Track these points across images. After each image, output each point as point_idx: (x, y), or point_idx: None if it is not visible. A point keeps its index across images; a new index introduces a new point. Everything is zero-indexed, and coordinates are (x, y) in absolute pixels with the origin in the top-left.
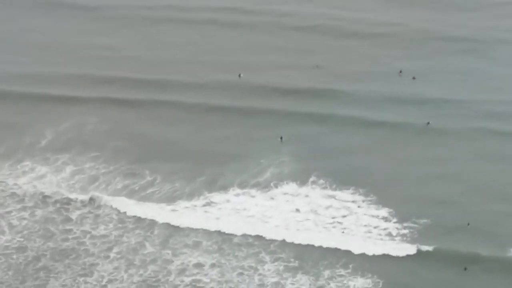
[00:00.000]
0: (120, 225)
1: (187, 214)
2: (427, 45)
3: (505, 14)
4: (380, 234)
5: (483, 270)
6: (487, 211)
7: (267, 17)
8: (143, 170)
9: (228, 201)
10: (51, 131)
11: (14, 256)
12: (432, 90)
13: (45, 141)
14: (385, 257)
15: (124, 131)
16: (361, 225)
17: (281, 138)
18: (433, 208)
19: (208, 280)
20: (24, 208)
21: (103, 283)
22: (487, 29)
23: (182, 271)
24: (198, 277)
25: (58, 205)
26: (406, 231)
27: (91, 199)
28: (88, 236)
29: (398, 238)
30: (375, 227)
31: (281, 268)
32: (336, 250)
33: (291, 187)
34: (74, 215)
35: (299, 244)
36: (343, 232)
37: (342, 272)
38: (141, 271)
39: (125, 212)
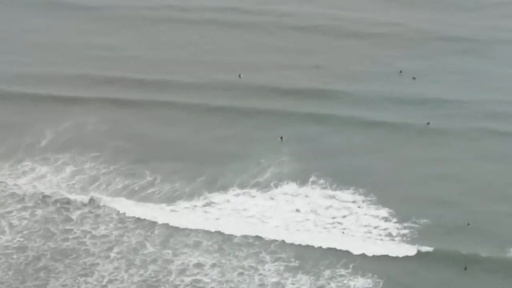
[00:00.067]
0: (120, 225)
1: (187, 214)
2: (427, 45)
3: (505, 14)
4: (380, 234)
5: (484, 270)
6: (487, 211)
7: (267, 17)
8: (143, 170)
9: (228, 201)
10: (51, 131)
11: (15, 256)
12: (432, 90)
13: (45, 141)
14: (385, 257)
15: (124, 131)
16: (361, 225)
17: (281, 138)
18: (433, 208)
19: (208, 280)
20: (24, 208)
21: (104, 283)
22: (487, 29)
23: (182, 271)
24: (198, 277)
25: (58, 205)
26: (406, 231)
27: (91, 200)
28: (89, 236)
29: (398, 238)
30: (375, 227)
31: (281, 268)
32: (336, 250)
33: (291, 187)
34: (75, 215)
35: (299, 244)
36: (343, 233)
37: (343, 272)
38: (142, 271)
39: (125, 213)
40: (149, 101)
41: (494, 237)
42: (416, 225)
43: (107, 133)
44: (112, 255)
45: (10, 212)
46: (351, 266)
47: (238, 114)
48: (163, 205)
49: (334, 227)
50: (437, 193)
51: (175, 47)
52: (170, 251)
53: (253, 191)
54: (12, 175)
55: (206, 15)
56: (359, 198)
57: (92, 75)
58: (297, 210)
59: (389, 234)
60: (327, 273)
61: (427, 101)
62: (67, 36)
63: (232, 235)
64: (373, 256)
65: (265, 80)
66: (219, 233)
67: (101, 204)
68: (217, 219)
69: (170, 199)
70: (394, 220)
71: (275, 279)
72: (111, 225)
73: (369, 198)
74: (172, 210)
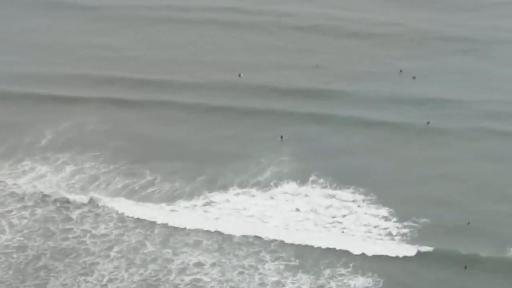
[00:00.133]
0: (120, 224)
1: (187, 213)
2: (427, 45)
3: (505, 14)
4: (380, 234)
5: (483, 269)
6: (487, 211)
7: (267, 17)
8: (143, 170)
9: (228, 200)
10: (51, 130)
11: (14, 255)
12: (432, 90)
13: (45, 141)
14: (386, 256)
15: (124, 131)
16: (361, 225)
17: (281, 137)
18: (433, 207)
19: (208, 279)
20: (24, 207)
21: (104, 282)
22: (487, 29)
23: (182, 270)
24: (198, 276)
25: (58, 204)
26: (406, 231)
27: (91, 200)
28: (89, 235)
29: (398, 237)
30: (375, 227)
31: (281, 267)
32: (336, 249)
33: (291, 186)
34: (74, 214)
35: (299, 244)
36: (343, 232)
37: (343, 271)
38: (142, 270)
39: (125, 213)
40: (149, 101)
41: (494, 237)
42: (416, 225)
43: (107, 133)
44: (112, 254)
45: (10, 211)
46: (351, 265)
47: (238, 114)
48: (163, 204)
49: (334, 227)
50: (437, 193)
51: (175, 47)
52: (170, 250)
53: (253, 191)
54: (12, 174)
55: (206, 15)
56: (359, 197)
57: (92, 75)
58: (297, 210)
59: (389, 234)
60: (327, 272)
61: (427, 101)
62: (67, 36)
63: (232, 234)
64: (373, 255)
65: (265, 80)
66: (219, 232)
67: (101, 204)
68: (217, 218)
69: (170, 198)
70: (394, 219)
71: (275, 278)
72: (111, 224)
73: (369, 198)
74: (172, 210)
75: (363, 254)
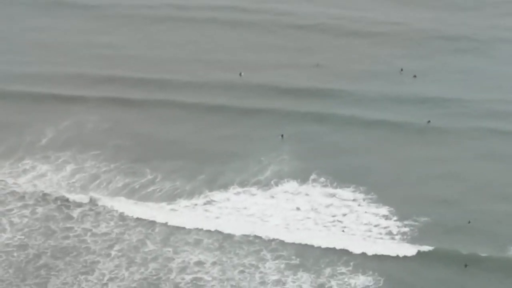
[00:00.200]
0: (121, 222)
1: (187, 212)
2: (428, 44)
3: (506, 13)
4: (380, 233)
5: (484, 268)
6: (487, 210)
7: (267, 16)
8: (143, 169)
9: (228, 199)
10: (51, 129)
11: (15, 254)
12: (432, 89)
13: (45, 140)
14: (386, 255)
15: (124, 129)
16: (361, 224)
17: (282, 135)
18: (434, 206)
19: (209, 278)
20: (25, 206)
21: (104, 281)
22: (488, 28)
23: (183, 269)
24: (199, 275)
25: (59, 202)
26: (406, 229)
27: (91, 200)
28: (89, 234)
29: (398, 236)
30: (375, 226)
31: (282, 266)
32: (337, 249)
33: (291, 185)
34: (75, 213)
35: (300, 243)
36: (343, 231)
37: (343, 270)
38: (142, 269)
39: (125, 212)
40: (149, 100)
41: (494, 236)
42: (416, 224)
43: (108, 132)
44: (113, 253)
45: (11, 210)
46: (351, 264)
47: (238, 113)
48: (164, 203)
49: (334, 226)
50: (438, 192)
51: (175, 46)
52: (170, 249)
53: (254, 189)
54: (13, 173)
55: (206, 14)
56: (360, 196)
57: (93, 74)
58: (298, 209)
59: (390, 233)
60: (327, 271)
61: (428, 100)
62: (68, 35)
63: (232, 233)
64: (374, 254)
65: (265, 79)
66: (219, 231)
67: (100, 204)
68: (218, 217)
69: (171, 197)
70: (395, 218)
71: (275, 277)
72: (112, 223)
73: (369, 197)
74: (172, 209)
75: (363, 253)
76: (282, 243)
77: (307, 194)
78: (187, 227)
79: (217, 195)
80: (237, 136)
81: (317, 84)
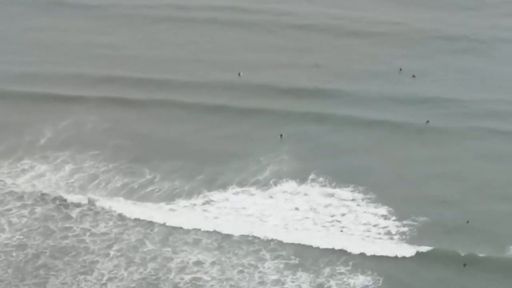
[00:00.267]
0: (120, 222)
1: (186, 213)
2: (427, 44)
3: (505, 13)
4: (379, 233)
5: (483, 268)
6: (486, 210)
7: (267, 16)
8: (142, 169)
9: (227, 199)
10: (50, 129)
11: (14, 254)
12: (432, 89)
13: (44, 140)
14: (385, 255)
15: (124, 130)
16: (360, 224)
17: (281, 135)
18: (433, 206)
19: (208, 278)
20: (23, 206)
21: (103, 281)
22: (487, 28)
23: (182, 269)
24: (198, 275)
25: (57, 202)
26: (405, 229)
27: (90, 201)
28: (88, 233)
29: (397, 236)
30: (374, 225)
31: (281, 265)
32: (335, 249)
33: (290, 185)
34: (74, 213)
35: (299, 243)
36: (341, 231)
37: (342, 269)
38: (141, 269)
39: (124, 213)
40: (149, 100)
41: (493, 236)
42: (415, 223)
43: (107, 132)
44: (112, 253)
45: (10, 210)
46: (350, 263)
47: (237, 113)
48: (163, 203)
49: (333, 225)
50: (437, 192)
51: (175, 46)
52: (169, 249)
53: (253, 189)
54: (12, 173)
55: (206, 14)
56: (359, 196)
57: (92, 74)
58: (296, 209)
59: (388, 232)
60: (326, 270)
61: (427, 100)
62: (67, 35)
63: (231, 234)
64: (373, 254)
65: (264, 79)
66: (218, 231)
67: (99, 204)
68: (216, 218)
69: (170, 197)
70: (394, 218)
71: (275, 277)
72: (111, 223)
73: (368, 196)
74: (171, 209)
75: (362, 252)
76: (281, 243)
77: (306, 194)
78: (186, 227)
79: (216, 195)
80: (236, 136)
81: (317, 84)
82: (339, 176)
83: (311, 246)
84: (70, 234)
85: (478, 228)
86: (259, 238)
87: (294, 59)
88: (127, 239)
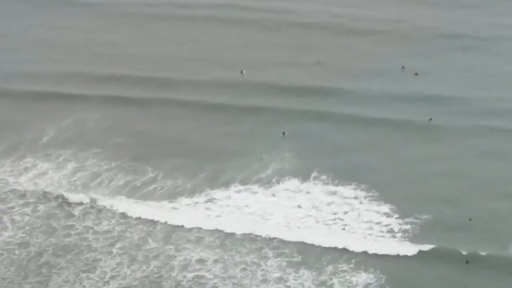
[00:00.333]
0: (122, 220)
1: (188, 211)
2: (429, 42)
3: (507, 11)
4: (382, 231)
5: (485, 265)
6: (489, 208)
7: (268, 14)
8: (145, 167)
9: (229, 197)
10: (52, 128)
11: (17, 252)
12: (434, 87)
13: (47, 138)
14: (387, 252)
15: (125, 128)
16: (362, 221)
17: (283, 133)
18: (435, 204)
19: (211, 276)
20: (26, 204)
21: (106, 279)
22: (489, 26)
23: (185, 267)
24: (201, 272)
25: (60, 200)
26: (408, 227)
27: (91, 201)
28: (91, 231)
29: (399, 234)
30: (377, 223)
31: (283, 263)
32: (338, 248)
33: (292, 183)
34: (77, 211)
35: (302, 241)
36: (343, 229)
37: (345, 267)
38: (144, 267)
39: (126, 212)
40: (150, 98)
41: (496, 234)
42: (417, 221)
43: (109, 130)
44: (115, 250)
45: (12, 208)
46: (353, 261)
47: (239, 111)
48: (165, 202)
49: (335, 223)
50: (439, 190)
51: (176, 44)
52: (172, 247)
53: (255, 187)
54: (14, 171)
55: (206, 12)
56: (361, 194)
57: (94, 73)
58: (299, 206)
59: (391, 230)
60: (329, 268)
61: (429, 98)
62: (69, 33)
63: (233, 232)
64: (375, 251)
65: (266, 77)
66: (220, 230)
67: (101, 203)
68: (219, 216)
69: (172, 195)
70: (396, 216)
71: (277, 275)
72: (113, 220)
73: (370, 194)
74: (173, 207)
75: (365, 250)
76: (283, 241)
77: (308, 192)
78: (189, 226)
79: (218, 193)
80: (238, 134)
81: (318, 82)
82: (341, 174)
83: (313, 244)
84: (72, 232)
85: (480, 226)
86: (261, 236)
87: (296, 57)
88: (129, 237)
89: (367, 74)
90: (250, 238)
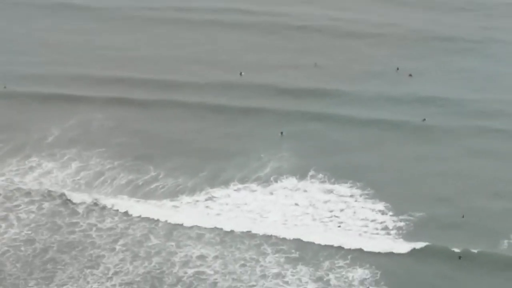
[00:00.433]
0: (125, 218)
1: (189, 209)
2: (423, 44)
3: (500, 14)
4: (376, 228)
5: (477, 261)
6: (481, 206)
7: (267, 17)
8: (147, 166)
9: (229, 195)
10: (57, 128)
11: (22, 249)
12: (428, 88)
13: (51, 138)
14: (382, 249)
15: (128, 128)
16: (358, 219)
17: (282, 133)
18: (429, 202)
19: (211, 272)
20: (31, 202)
21: (109, 275)
22: (482, 29)
23: (186, 263)
24: (201, 268)
25: (64, 197)
26: (402, 224)
27: (95, 199)
28: (94, 228)
29: (394, 231)
30: (372, 221)
31: (282, 259)
32: (334, 245)
33: (290, 181)
34: (81, 208)
35: (299, 238)
36: (339, 226)
37: (341, 263)
38: (146, 263)
39: (129, 211)
40: (152, 99)
41: (488, 232)
42: (412, 219)
43: (112, 130)
44: (118, 247)
45: (18, 205)
46: (349, 257)
47: (239, 112)
48: (166, 200)
49: (331, 221)
50: (433, 188)
51: (178, 47)
52: (173, 243)
53: (254, 186)
54: (20, 170)
55: (207, 16)
56: (357, 192)
57: (97, 75)
58: (296, 204)
59: (386, 228)
60: (326, 264)
61: (423, 99)
62: (73, 36)
63: (232, 230)
64: (371, 248)
65: (265, 79)
66: (220, 228)
67: (104, 203)
68: (218, 214)
69: (173, 194)
70: (391, 213)
71: (276, 270)
72: (116, 218)
73: (366, 192)
74: (174, 206)
75: (360, 247)
76: (281, 239)
77: (305, 190)
78: (189, 223)
79: (218, 192)
80: (238, 134)
81: (316, 84)
82: (338, 173)
83: (310, 241)
84: (77, 229)
85: (473, 224)
86: (260, 233)
87: (294, 59)
88: (132, 234)
89: (364, 76)
90: (249, 235)
